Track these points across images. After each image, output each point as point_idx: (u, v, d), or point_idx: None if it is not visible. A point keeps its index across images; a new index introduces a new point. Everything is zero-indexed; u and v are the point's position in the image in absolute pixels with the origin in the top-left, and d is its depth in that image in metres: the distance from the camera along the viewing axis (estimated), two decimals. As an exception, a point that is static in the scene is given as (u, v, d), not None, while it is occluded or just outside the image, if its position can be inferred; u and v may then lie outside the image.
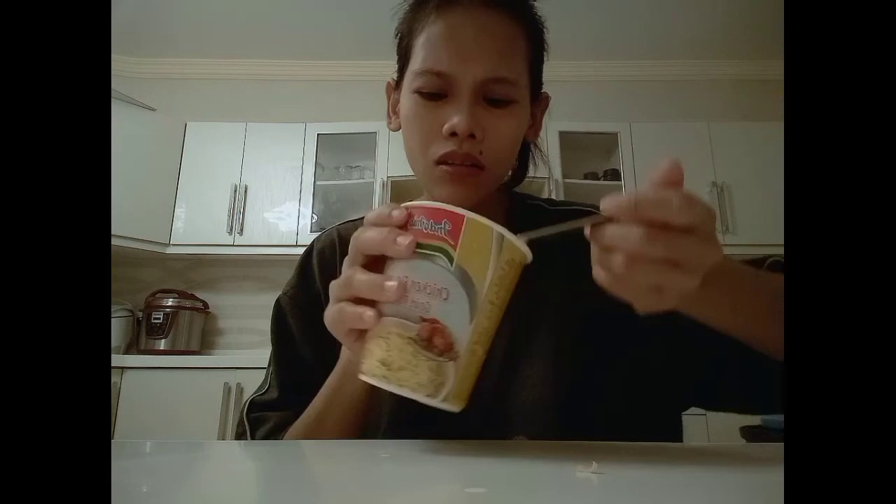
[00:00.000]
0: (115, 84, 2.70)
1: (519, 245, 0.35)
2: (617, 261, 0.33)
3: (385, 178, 2.74)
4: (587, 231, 0.34)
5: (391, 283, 0.34)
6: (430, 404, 0.34)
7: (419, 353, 0.33)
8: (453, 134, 0.50)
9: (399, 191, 2.71)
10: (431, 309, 0.33)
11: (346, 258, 0.39)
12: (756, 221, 2.65)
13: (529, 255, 0.36)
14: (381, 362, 0.34)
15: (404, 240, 0.34)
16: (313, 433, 0.52)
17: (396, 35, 0.59)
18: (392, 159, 2.75)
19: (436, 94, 0.52)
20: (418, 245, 0.34)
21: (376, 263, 0.37)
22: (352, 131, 2.84)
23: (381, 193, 2.73)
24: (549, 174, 2.67)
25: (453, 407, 0.34)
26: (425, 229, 0.34)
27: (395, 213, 0.36)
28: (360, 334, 0.38)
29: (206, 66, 3.21)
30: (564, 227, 0.34)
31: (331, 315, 0.39)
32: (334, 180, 2.91)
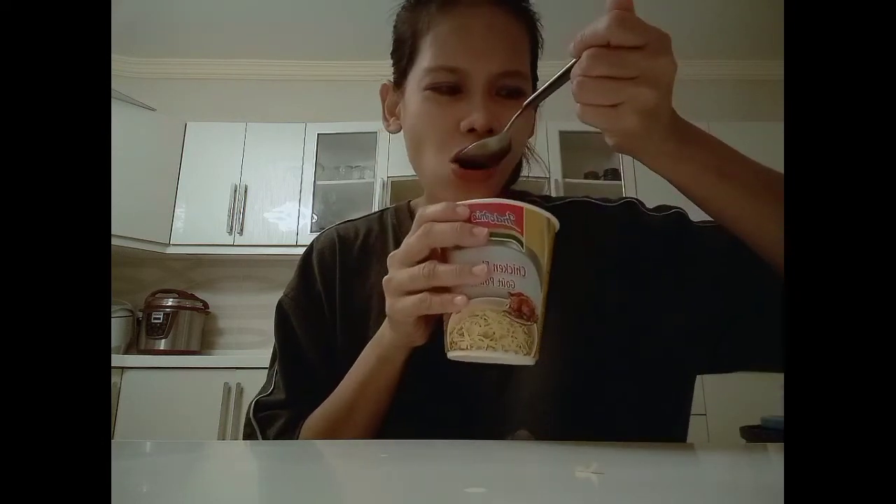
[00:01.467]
0: (115, 84, 2.70)
1: (555, 222, 0.43)
2: (572, 88, 0.37)
3: (385, 178, 2.74)
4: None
5: (480, 267, 0.39)
6: (522, 363, 0.41)
7: (514, 322, 0.39)
8: (471, 130, 0.50)
9: (399, 191, 2.70)
10: (516, 285, 0.39)
11: (396, 255, 0.43)
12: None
13: (558, 225, 0.44)
14: (484, 335, 0.39)
15: (480, 231, 0.39)
16: (340, 424, 0.52)
17: (397, 36, 0.59)
18: (392, 159, 2.74)
19: (449, 90, 0.52)
20: (490, 234, 0.40)
21: (432, 258, 0.42)
22: (352, 131, 2.84)
23: (381, 193, 2.72)
24: (549, 174, 2.67)
25: (535, 360, 0.41)
26: (492, 221, 0.40)
27: (460, 209, 0.41)
28: (426, 321, 0.44)
29: (206, 66, 3.21)
30: (551, 82, 0.40)
31: (409, 304, 0.41)
32: (334, 180, 2.91)
